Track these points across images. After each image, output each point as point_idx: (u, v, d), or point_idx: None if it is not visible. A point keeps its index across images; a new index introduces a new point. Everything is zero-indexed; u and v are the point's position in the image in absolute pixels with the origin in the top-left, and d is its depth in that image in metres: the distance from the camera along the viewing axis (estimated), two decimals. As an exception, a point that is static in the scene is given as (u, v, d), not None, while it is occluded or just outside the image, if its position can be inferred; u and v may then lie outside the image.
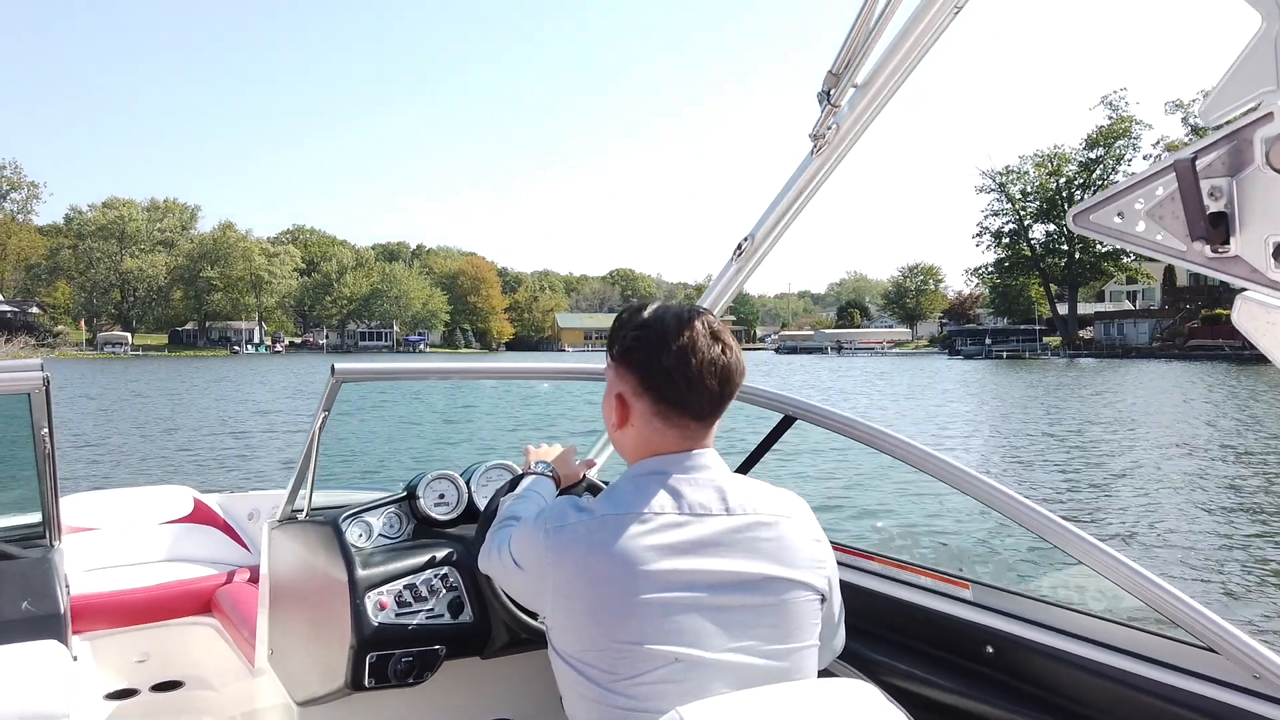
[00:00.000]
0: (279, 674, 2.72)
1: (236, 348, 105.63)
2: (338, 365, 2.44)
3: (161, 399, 32.01)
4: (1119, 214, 1.29)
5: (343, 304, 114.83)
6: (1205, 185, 1.18)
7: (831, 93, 1.97)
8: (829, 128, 2.04)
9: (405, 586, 2.35)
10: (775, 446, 2.73)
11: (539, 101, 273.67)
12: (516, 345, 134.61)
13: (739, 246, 2.47)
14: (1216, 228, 1.18)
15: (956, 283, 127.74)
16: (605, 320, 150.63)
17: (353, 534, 2.50)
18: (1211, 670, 1.65)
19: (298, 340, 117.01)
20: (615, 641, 1.46)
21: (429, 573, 2.40)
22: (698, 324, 1.56)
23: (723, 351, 1.56)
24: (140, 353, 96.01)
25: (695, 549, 1.49)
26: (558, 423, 17.70)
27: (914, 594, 2.22)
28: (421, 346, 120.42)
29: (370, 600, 2.29)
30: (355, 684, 2.26)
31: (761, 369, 55.60)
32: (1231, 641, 1.59)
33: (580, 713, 1.53)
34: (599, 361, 1.87)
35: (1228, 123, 1.14)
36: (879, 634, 2.11)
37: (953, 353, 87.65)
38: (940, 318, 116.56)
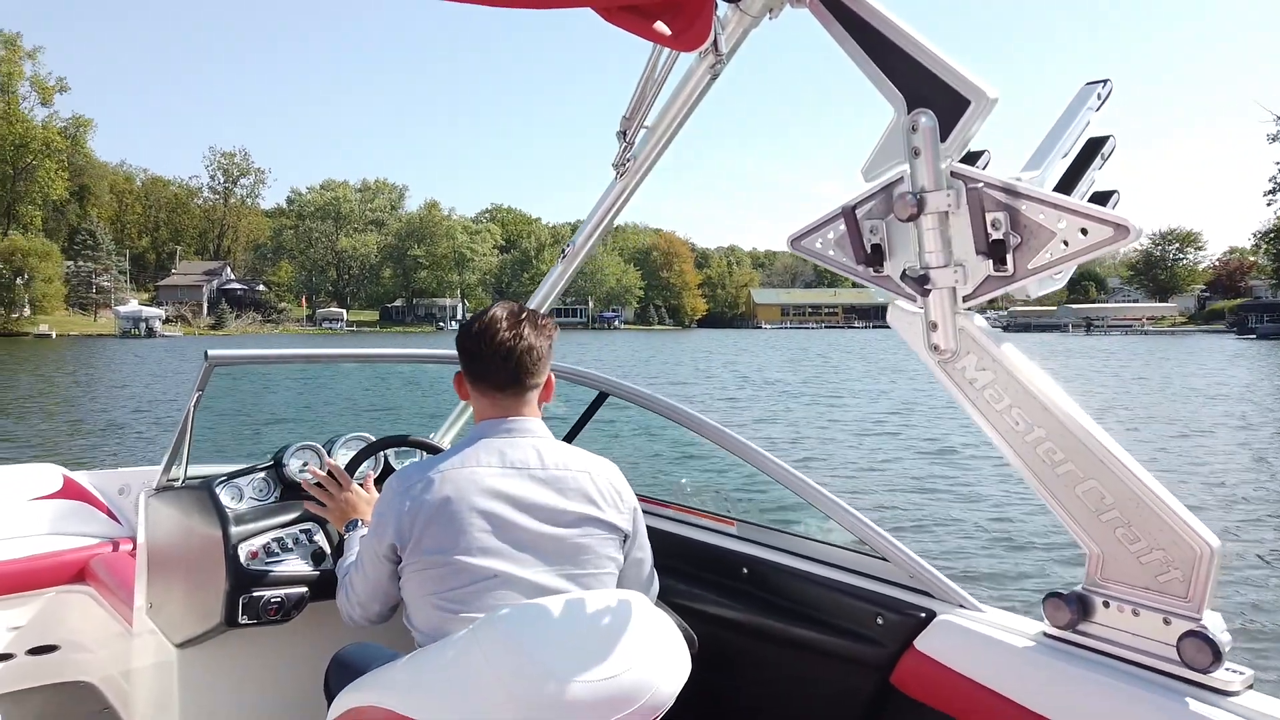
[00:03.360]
0: (158, 623, 2.91)
1: (441, 324, 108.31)
2: (210, 351, 2.79)
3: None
4: (819, 242, 1.84)
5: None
6: (868, 224, 1.73)
7: (626, 132, 2.42)
8: (628, 160, 2.48)
9: (273, 539, 2.68)
10: (598, 417, 3.28)
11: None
12: (709, 322, 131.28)
13: (563, 252, 2.94)
14: (875, 255, 1.73)
15: (1217, 250, 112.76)
16: (803, 295, 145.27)
17: (225, 496, 2.78)
18: (885, 574, 2.22)
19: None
20: (450, 557, 1.86)
21: (294, 528, 2.74)
22: (499, 314, 2.01)
23: (516, 336, 1.97)
24: (355, 328, 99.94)
25: (515, 492, 1.91)
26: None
27: (696, 532, 2.78)
28: (616, 323, 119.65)
29: (242, 550, 2.62)
30: (230, 621, 2.56)
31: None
32: (898, 553, 2.14)
33: (419, 618, 1.93)
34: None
35: (884, 179, 1.69)
36: (670, 564, 2.57)
37: (1243, 331, 75.54)
38: (1202, 290, 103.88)
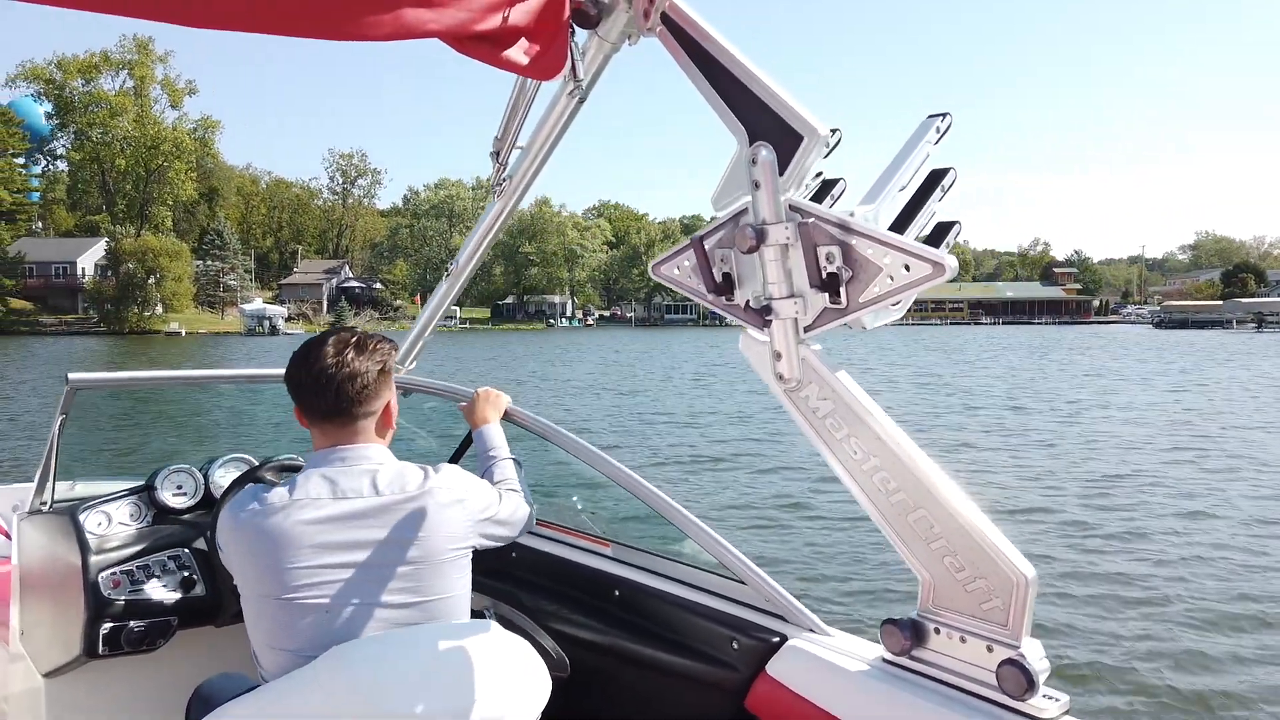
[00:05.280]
0: (29, 652, 2.85)
1: (551, 320, 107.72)
2: (71, 375, 2.75)
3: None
4: (676, 269, 1.88)
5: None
6: (718, 254, 1.76)
7: (499, 153, 2.39)
8: (504, 180, 2.45)
9: (138, 566, 2.65)
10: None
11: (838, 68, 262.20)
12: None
13: (447, 270, 2.87)
14: (726, 284, 1.76)
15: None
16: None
17: (91, 522, 2.74)
18: (742, 597, 2.24)
19: (606, 314, 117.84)
20: (276, 598, 1.80)
21: (162, 554, 2.71)
22: (323, 342, 1.94)
23: (339, 364, 1.90)
24: (468, 325, 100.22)
25: (345, 522, 1.84)
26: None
27: (574, 553, 2.73)
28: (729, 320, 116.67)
29: (104, 578, 2.59)
30: (90, 651, 2.54)
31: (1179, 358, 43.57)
32: (754, 577, 2.14)
33: (261, 658, 1.88)
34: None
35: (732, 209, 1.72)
36: (547, 587, 2.60)
37: None
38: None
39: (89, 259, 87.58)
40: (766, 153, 1.58)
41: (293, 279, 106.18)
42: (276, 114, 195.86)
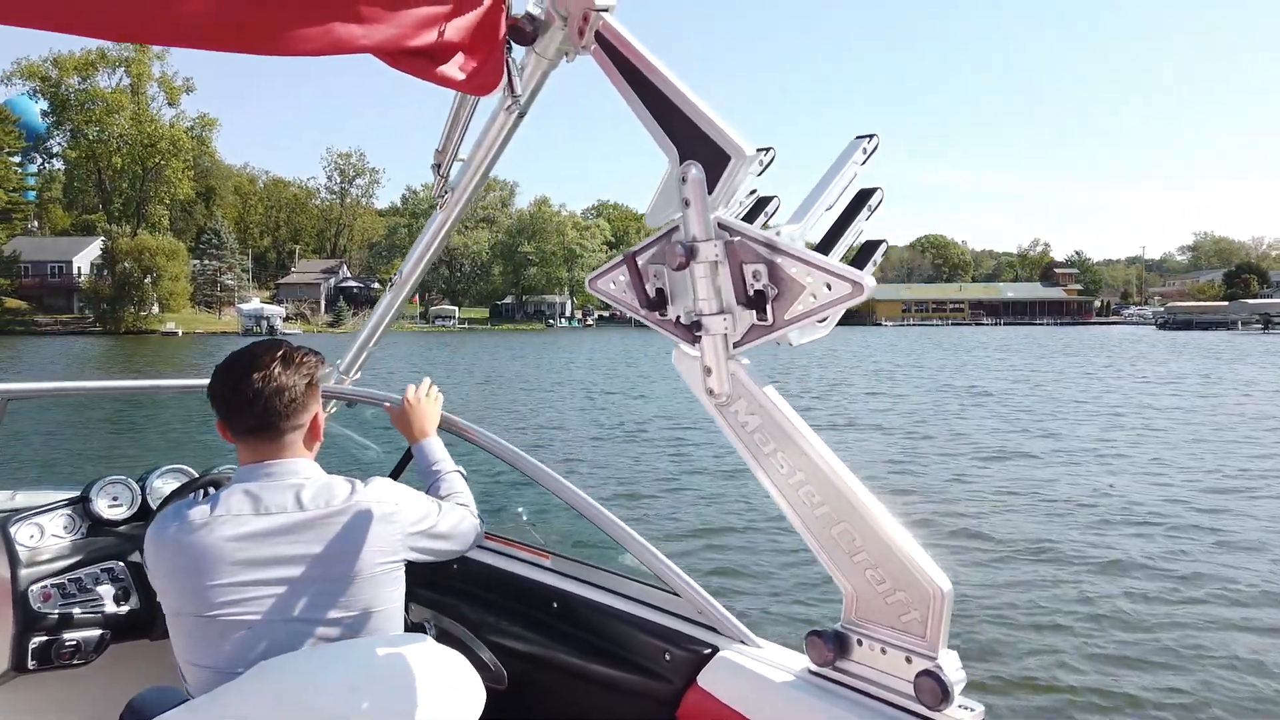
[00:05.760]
0: None
1: (550, 321, 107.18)
2: (1, 386, 2.77)
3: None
4: (612, 284, 1.91)
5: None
6: (651, 269, 1.78)
7: (440, 166, 2.39)
8: (446, 192, 2.46)
9: (71, 579, 2.63)
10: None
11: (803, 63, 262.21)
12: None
13: (391, 282, 2.88)
14: (659, 300, 1.79)
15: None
16: (925, 291, 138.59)
17: (23, 534, 2.70)
18: (676, 608, 2.25)
19: (605, 314, 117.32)
20: (199, 615, 1.78)
21: (95, 567, 2.68)
22: (247, 355, 1.91)
23: (265, 378, 1.86)
24: (466, 325, 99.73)
25: (269, 538, 1.81)
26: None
27: (514, 564, 2.70)
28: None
29: (34, 591, 2.56)
30: (19, 666, 2.51)
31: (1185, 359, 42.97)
32: (687, 588, 2.16)
33: (187, 675, 1.85)
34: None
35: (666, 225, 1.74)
36: (487, 598, 2.60)
37: None
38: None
39: (85, 258, 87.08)
40: (696, 171, 1.62)
41: (290, 279, 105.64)
42: (274, 112, 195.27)
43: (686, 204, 1.64)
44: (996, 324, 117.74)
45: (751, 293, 1.61)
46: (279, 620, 1.78)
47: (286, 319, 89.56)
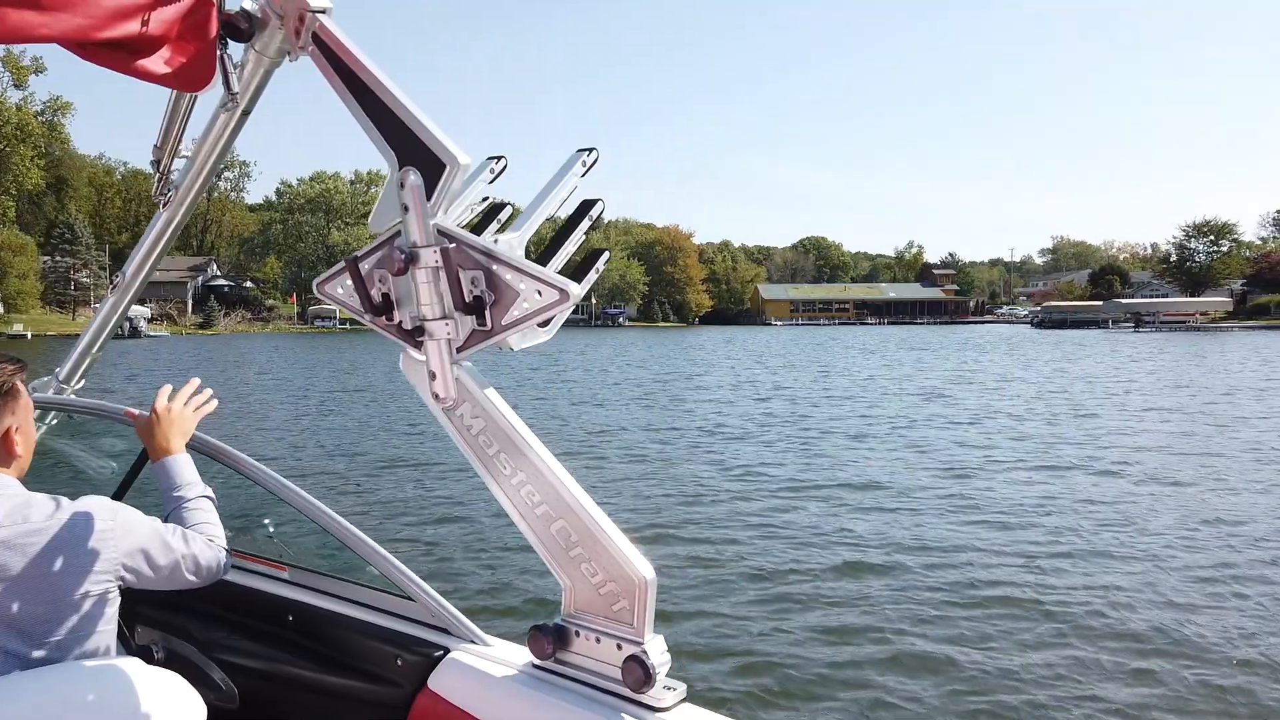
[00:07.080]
0: None
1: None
2: None
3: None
4: (339, 288, 1.91)
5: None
6: (377, 275, 1.78)
7: (159, 163, 2.33)
8: (169, 190, 2.40)
9: None
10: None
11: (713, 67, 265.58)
12: (713, 319, 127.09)
13: (113, 281, 2.79)
14: (385, 305, 1.78)
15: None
16: (812, 291, 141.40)
17: None
18: (409, 612, 2.24)
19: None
20: None
21: None
22: None
23: None
24: (349, 326, 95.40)
25: None
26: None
27: (247, 578, 2.62)
28: (621, 320, 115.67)
29: None
30: None
31: (1063, 358, 44.08)
32: (421, 593, 2.16)
33: None
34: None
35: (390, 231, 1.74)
36: (217, 615, 2.54)
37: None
38: (1242, 284, 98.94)
39: (-83, 254, 79.11)
40: (415, 177, 1.64)
41: (154, 277, 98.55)
42: (133, 99, 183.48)
43: (406, 210, 1.65)
44: (880, 323, 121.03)
45: (470, 298, 1.65)
46: None
47: (151, 320, 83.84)
